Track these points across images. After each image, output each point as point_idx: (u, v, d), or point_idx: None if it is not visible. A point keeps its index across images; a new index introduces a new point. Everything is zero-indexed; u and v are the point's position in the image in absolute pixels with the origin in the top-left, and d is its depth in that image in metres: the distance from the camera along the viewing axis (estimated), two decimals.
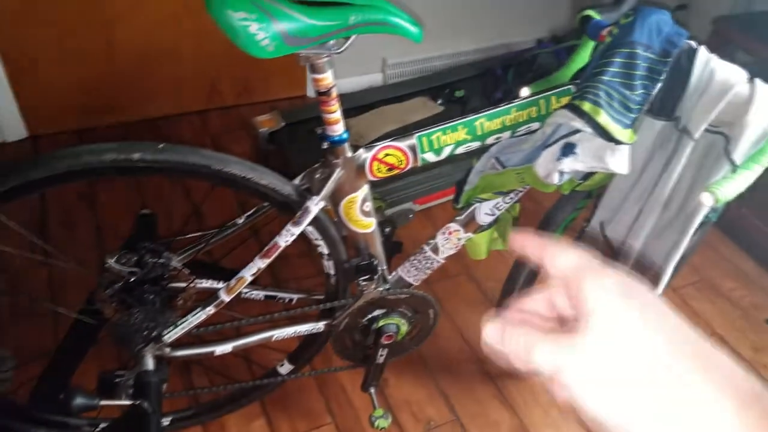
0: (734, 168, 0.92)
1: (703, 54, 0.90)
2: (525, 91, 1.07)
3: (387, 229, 1.29)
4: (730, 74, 0.88)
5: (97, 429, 1.13)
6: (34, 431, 1.13)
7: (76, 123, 2.14)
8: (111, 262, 1.03)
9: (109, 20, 2.01)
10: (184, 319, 1.04)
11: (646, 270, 1.09)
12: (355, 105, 2.16)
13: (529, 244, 0.37)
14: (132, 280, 1.03)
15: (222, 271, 1.12)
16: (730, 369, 0.30)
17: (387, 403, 1.44)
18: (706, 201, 0.89)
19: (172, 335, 1.04)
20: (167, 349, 1.06)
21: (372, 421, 1.25)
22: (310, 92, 2.46)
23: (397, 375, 1.50)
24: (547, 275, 0.36)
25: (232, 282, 1.01)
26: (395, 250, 1.36)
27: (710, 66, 0.90)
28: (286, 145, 1.94)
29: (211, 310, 1.03)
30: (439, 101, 2.20)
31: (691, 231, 1.00)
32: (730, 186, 0.90)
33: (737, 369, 0.30)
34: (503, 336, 0.34)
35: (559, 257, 0.35)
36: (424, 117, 2.13)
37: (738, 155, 0.91)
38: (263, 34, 0.71)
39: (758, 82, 0.87)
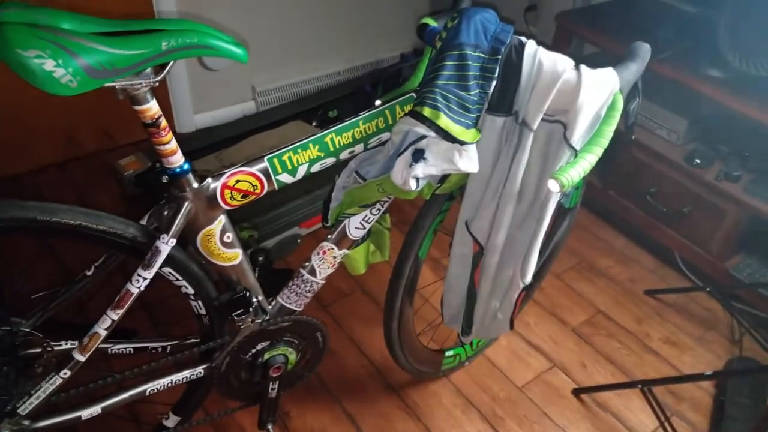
0: (575, 153, 0.96)
1: (530, 47, 0.94)
2: (377, 103, 1.07)
3: (260, 258, 1.25)
4: (557, 63, 0.92)
5: None
6: None
7: None
8: None
9: None
10: (38, 387, 0.94)
11: (512, 262, 1.12)
12: (229, 135, 2.11)
13: None
14: None
15: (80, 328, 1.03)
16: None
17: None
18: (553, 188, 0.93)
19: (27, 407, 0.95)
20: (26, 422, 0.96)
21: None
22: (180, 128, 2.37)
23: (298, 405, 1.45)
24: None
25: (85, 340, 0.93)
26: (283, 277, 1.31)
27: (538, 57, 0.93)
28: (155, 185, 1.85)
29: (66, 373, 0.94)
30: (314, 123, 2.20)
31: (547, 218, 1.03)
32: (574, 171, 0.93)
33: None
34: None
35: None
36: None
37: (576, 140, 0.95)
38: (62, 70, 0.65)
39: (583, 68, 0.92)
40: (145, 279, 0.90)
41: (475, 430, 1.45)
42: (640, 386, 1.44)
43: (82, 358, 0.94)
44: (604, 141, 0.97)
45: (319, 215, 1.93)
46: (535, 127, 0.95)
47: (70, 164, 2.17)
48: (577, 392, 1.54)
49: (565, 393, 1.55)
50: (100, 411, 1.02)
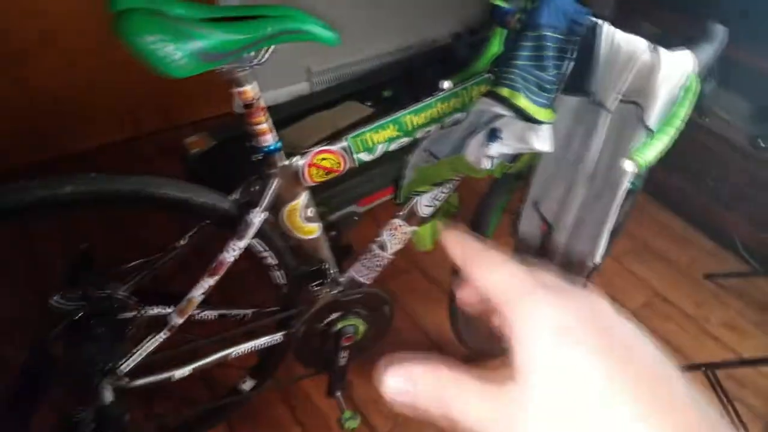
0: (650, 134, 0.98)
1: (606, 29, 0.96)
2: (445, 84, 1.10)
3: (333, 233, 1.30)
4: (634, 45, 0.94)
5: None
6: None
7: None
8: (55, 300, 1.00)
9: (17, 57, 1.95)
10: (138, 348, 1.02)
11: (581, 242, 1.15)
12: (285, 116, 2.17)
13: (458, 252, 0.32)
14: (79, 316, 1.01)
15: (169, 296, 1.11)
16: (685, 413, 0.25)
17: (354, 405, 1.45)
18: (629, 168, 0.95)
19: (127, 365, 1.03)
20: (125, 380, 1.05)
21: (342, 423, 1.26)
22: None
23: (361, 375, 1.51)
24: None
25: (183, 304, 1.00)
26: (346, 253, 1.37)
27: (615, 39, 0.95)
28: (219, 163, 1.93)
29: (164, 335, 1.02)
30: (368, 103, 2.23)
31: (619, 198, 1.05)
32: (649, 151, 0.96)
33: (696, 411, 0.25)
34: (411, 384, 0.28)
35: (490, 274, 0.30)
36: (355, 120, 2.16)
37: (652, 122, 0.97)
38: (179, 54, 0.71)
39: (661, 49, 0.93)
40: (238, 249, 0.97)
41: None
42: (703, 369, 1.44)
43: (179, 321, 1.01)
44: (680, 123, 0.98)
45: (376, 194, 2.00)
46: (612, 108, 0.97)
47: (133, 143, 2.27)
48: None
49: None
50: (190, 372, 1.10)
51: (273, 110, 0.93)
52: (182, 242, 1.07)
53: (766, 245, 1.80)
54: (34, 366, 1.10)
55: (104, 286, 1.04)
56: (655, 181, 2.05)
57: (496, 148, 0.98)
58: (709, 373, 1.45)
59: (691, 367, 1.52)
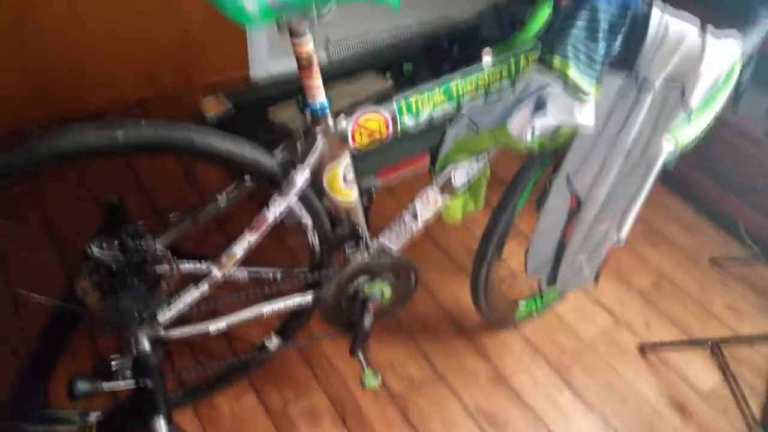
0: (689, 116, 1.00)
1: (656, 12, 0.97)
2: (487, 53, 1.10)
3: (365, 198, 1.32)
4: (683, 27, 0.95)
5: (94, 417, 1.11)
6: (21, 428, 1.11)
7: (7, 120, 2.03)
8: (92, 248, 1.01)
9: (26, 8, 1.91)
10: (177, 298, 1.04)
11: (610, 217, 1.17)
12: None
13: None
14: (115, 266, 1.02)
15: (196, 254, 1.11)
16: None
17: (373, 366, 1.48)
18: (668, 145, 0.97)
19: (166, 315, 1.04)
20: (161, 330, 1.06)
21: (362, 380, 1.28)
22: (254, 73, 2.43)
23: (378, 340, 1.54)
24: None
25: (224, 258, 1.02)
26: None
27: (664, 21, 0.96)
28: (236, 129, 1.92)
29: (204, 287, 1.03)
30: (388, 75, 2.23)
31: (653, 175, 1.07)
32: (688, 130, 0.98)
33: None
34: None
35: None
36: (375, 92, 2.16)
37: (693, 104, 0.99)
38: (251, 3, 0.72)
39: (708, 34, 0.95)
40: (281, 206, 0.98)
41: (542, 374, 1.53)
42: (710, 343, 1.50)
43: (219, 275, 1.02)
44: (718, 106, 1.00)
45: (394, 167, 2.01)
46: (656, 87, 0.99)
47: (150, 102, 2.25)
48: (643, 348, 1.61)
49: (629, 348, 1.62)
50: (225, 326, 1.11)
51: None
52: (219, 197, 1.07)
53: None
54: (64, 312, 1.11)
55: (141, 238, 1.05)
56: (666, 167, 2.08)
57: (542, 121, 0.99)
58: (715, 348, 1.50)
59: (697, 342, 1.58)
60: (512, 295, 1.61)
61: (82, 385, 0.87)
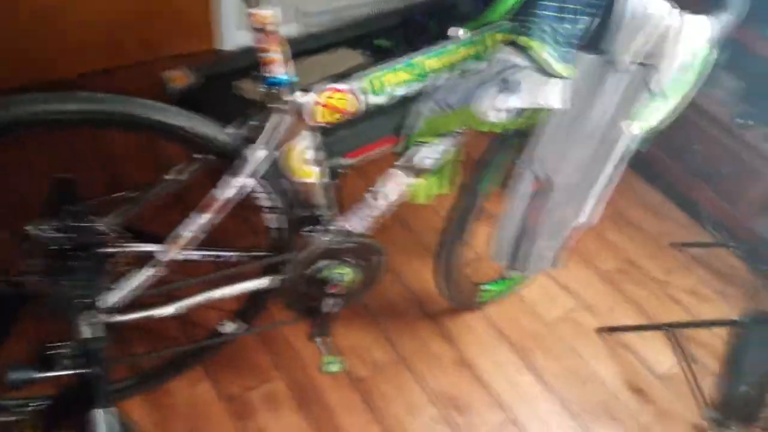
0: (655, 98, 0.98)
1: None
2: (455, 31, 1.05)
3: (331, 179, 1.27)
4: (656, 8, 0.92)
5: (34, 405, 1.05)
6: None
7: None
8: (32, 228, 0.94)
9: None
10: (120, 283, 0.98)
11: (573, 201, 1.15)
12: None
13: None
14: (57, 247, 0.96)
15: (151, 234, 1.06)
16: None
17: (335, 351, 1.44)
18: (629, 130, 0.95)
19: (108, 301, 0.98)
20: (105, 316, 1.00)
21: (321, 367, 1.24)
22: (221, 45, 2.34)
23: (342, 324, 1.51)
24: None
25: (169, 240, 0.96)
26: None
27: (636, 2, 0.93)
28: (200, 102, 1.84)
29: (149, 271, 0.98)
30: (360, 51, 2.16)
31: (613, 159, 1.05)
32: (652, 114, 0.95)
33: None
34: None
35: None
36: (348, 68, 2.09)
37: (659, 85, 0.96)
38: None
39: (686, 15, 0.92)
40: (232, 186, 0.92)
41: (505, 357, 1.52)
42: (665, 328, 1.51)
43: (165, 258, 0.97)
44: (686, 89, 0.98)
45: (363, 147, 1.95)
46: (624, 68, 0.96)
47: (115, 72, 2.15)
48: (602, 331, 1.61)
49: (590, 331, 1.62)
50: (173, 311, 1.06)
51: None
52: (167, 177, 1.01)
53: (733, 219, 1.86)
54: (3, 297, 1.05)
55: (84, 218, 0.99)
56: (638, 154, 2.08)
57: (509, 101, 0.95)
58: (670, 332, 1.52)
59: (653, 327, 1.59)
60: (477, 278, 1.59)
61: (14, 374, 0.82)
